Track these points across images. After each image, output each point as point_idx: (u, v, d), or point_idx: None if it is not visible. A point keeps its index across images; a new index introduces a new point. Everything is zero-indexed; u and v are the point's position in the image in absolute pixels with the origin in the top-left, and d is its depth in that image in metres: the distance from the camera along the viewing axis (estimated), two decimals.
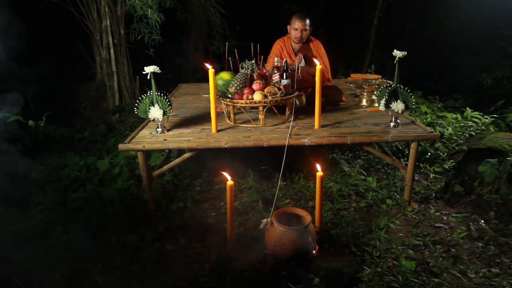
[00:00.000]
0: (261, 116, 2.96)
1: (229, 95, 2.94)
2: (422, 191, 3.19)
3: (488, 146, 3.32)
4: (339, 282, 2.15)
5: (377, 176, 3.47)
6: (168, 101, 2.79)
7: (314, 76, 3.10)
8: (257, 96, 2.82)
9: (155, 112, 2.78)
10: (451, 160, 3.62)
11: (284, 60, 3.08)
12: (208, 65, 2.74)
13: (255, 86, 2.90)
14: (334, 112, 3.36)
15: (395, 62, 2.77)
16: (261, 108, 2.91)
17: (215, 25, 6.27)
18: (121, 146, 2.71)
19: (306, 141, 2.71)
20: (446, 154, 3.79)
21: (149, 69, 2.70)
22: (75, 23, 4.98)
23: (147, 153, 3.00)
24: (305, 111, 3.24)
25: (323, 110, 3.11)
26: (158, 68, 2.72)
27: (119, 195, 3.13)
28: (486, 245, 2.53)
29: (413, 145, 2.82)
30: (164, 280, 2.24)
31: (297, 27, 3.61)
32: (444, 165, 3.60)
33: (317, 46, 3.78)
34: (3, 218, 2.85)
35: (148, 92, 2.82)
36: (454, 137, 4.06)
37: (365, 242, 2.52)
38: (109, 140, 4.34)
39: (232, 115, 3.06)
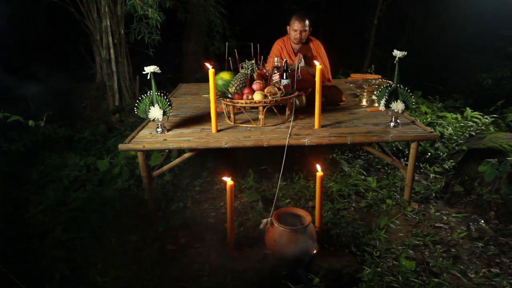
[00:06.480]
0: (261, 116, 2.96)
1: (229, 95, 2.94)
2: (422, 191, 3.19)
3: (488, 146, 3.32)
4: (339, 282, 2.15)
5: (377, 176, 3.47)
6: (168, 101, 2.79)
7: (314, 76, 3.10)
8: (257, 96, 2.82)
9: (155, 112, 2.78)
10: (451, 160, 3.62)
11: (284, 60, 3.08)
12: (208, 65, 2.75)
13: (255, 86, 2.90)
14: (334, 112, 3.36)
15: (395, 62, 2.77)
16: (261, 108, 2.91)
17: (215, 25, 6.26)
18: (121, 146, 2.71)
19: (306, 141, 2.71)
20: (446, 154, 3.79)
21: (149, 69, 2.70)
22: (75, 23, 4.98)
23: (147, 153, 3.00)
24: (305, 111, 3.24)
25: (323, 110, 3.11)
26: (158, 68, 2.72)
27: (119, 195, 3.13)
28: (486, 245, 2.53)
29: (413, 145, 2.82)
30: (164, 280, 2.24)
31: (296, 28, 3.61)
32: (444, 165, 3.59)
33: (317, 46, 3.78)
34: (3, 218, 2.85)
35: (148, 92, 2.82)
36: (454, 137, 4.06)
37: (365, 242, 2.52)
38: (109, 140, 4.34)
39: (232, 115, 3.06)
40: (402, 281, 2.17)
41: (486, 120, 4.42)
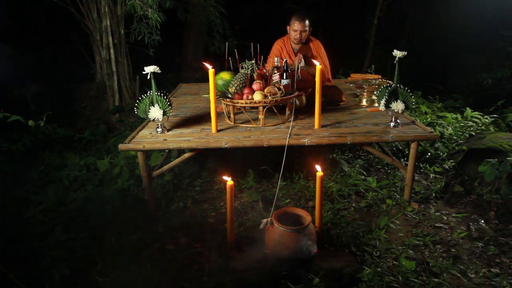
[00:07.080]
0: (261, 116, 2.96)
1: (229, 95, 2.94)
2: (422, 191, 3.19)
3: (488, 146, 3.32)
4: (339, 282, 2.15)
5: (377, 176, 3.47)
6: (168, 101, 2.79)
7: (314, 76, 3.10)
8: (257, 96, 2.82)
9: (155, 112, 2.78)
10: (451, 160, 3.62)
11: (284, 60, 3.08)
12: (208, 65, 2.75)
13: (255, 86, 2.90)
14: (334, 112, 3.36)
15: (395, 62, 2.77)
16: (261, 108, 2.91)
17: (215, 25, 6.26)
18: (121, 146, 2.71)
19: (306, 141, 2.70)
20: (446, 154, 3.79)
21: (149, 69, 2.70)
22: (75, 23, 4.99)
23: (147, 153, 3.00)
24: (305, 111, 3.24)
25: (323, 110, 3.11)
26: (158, 68, 2.72)
27: (119, 195, 3.13)
28: (486, 245, 2.53)
29: (413, 145, 2.82)
30: (164, 280, 2.24)
31: (296, 29, 3.61)
32: (444, 165, 3.59)
33: (317, 46, 3.78)
34: (3, 218, 2.85)
35: (148, 92, 2.82)
36: (454, 137, 4.06)
37: (365, 242, 2.52)
38: (109, 140, 4.34)
39: (232, 115, 3.06)
40: (402, 281, 2.17)
41: (486, 120, 4.42)
